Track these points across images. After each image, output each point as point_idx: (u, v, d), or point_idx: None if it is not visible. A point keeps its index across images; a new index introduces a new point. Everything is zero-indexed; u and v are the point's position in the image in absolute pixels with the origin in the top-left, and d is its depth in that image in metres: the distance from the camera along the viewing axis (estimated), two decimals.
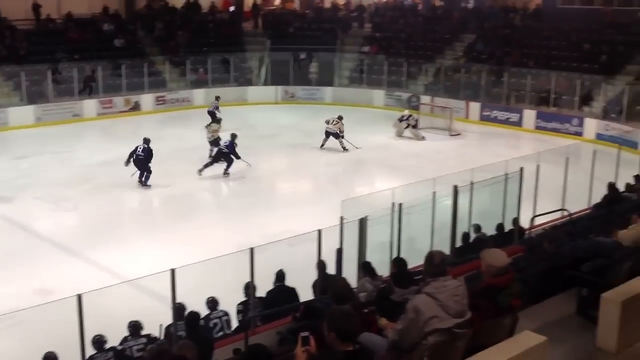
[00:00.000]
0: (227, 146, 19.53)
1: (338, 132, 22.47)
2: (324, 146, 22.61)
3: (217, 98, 26.16)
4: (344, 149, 22.40)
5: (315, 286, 9.93)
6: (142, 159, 18.44)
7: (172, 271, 8.33)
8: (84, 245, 14.41)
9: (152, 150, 18.56)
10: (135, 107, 28.48)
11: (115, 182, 18.89)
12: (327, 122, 22.71)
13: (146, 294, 10.69)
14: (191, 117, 27.02)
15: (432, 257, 4.82)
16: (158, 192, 18.39)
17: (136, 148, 18.57)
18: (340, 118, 22.71)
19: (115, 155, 21.52)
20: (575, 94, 25.33)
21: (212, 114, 24.86)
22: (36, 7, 30.24)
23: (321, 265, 10.15)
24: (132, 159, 18.46)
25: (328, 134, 22.52)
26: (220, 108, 25.17)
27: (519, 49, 28.88)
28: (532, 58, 28.04)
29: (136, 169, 18.46)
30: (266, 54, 32.35)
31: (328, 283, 9.09)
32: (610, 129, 23.51)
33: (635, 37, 26.87)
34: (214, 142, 20.64)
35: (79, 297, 7.80)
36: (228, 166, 19.58)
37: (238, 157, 19.45)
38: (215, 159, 19.69)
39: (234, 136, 19.69)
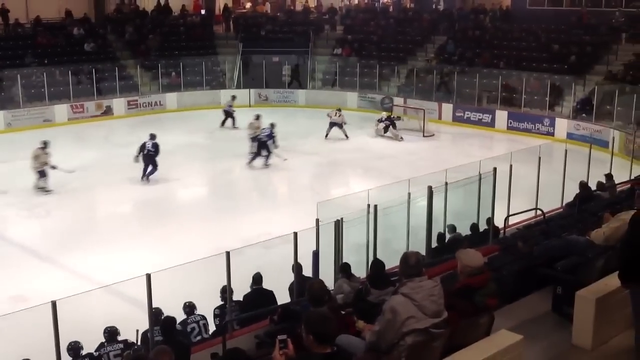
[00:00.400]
0: (267, 135, 20.57)
1: (342, 122, 24.35)
2: (328, 136, 24.19)
3: (234, 98, 27.20)
4: (347, 136, 24.26)
5: (292, 289, 9.93)
6: (152, 154, 18.99)
7: (148, 276, 8.25)
8: (58, 251, 14.26)
9: (159, 145, 19.06)
10: (107, 112, 28.22)
11: (88, 187, 18.72)
12: (330, 115, 24.57)
13: (122, 300, 10.59)
14: (164, 121, 26.86)
15: (407, 258, 4.83)
16: (132, 196, 18.25)
17: (144, 144, 19.07)
18: (339, 109, 24.81)
19: (88, 160, 21.37)
20: (546, 94, 25.62)
21: (227, 112, 26.24)
22: (4, 12, 29.88)
23: (297, 268, 10.14)
24: (141, 154, 18.98)
25: (332, 124, 24.29)
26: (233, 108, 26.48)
27: (490, 50, 29.18)
28: (502, 59, 28.35)
29: (144, 164, 19.01)
30: (238, 57, 32.27)
31: (304, 285, 9.10)
32: (581, 128, 23.83)
33: (603, 38, 27.30)
34: (255, 138, 21.13)
35: (54, 303, 7.70)
36: (268, 157, 20.65)
37: (276, 147, 20.70)
38: (258, 151, 20.66)
39: (272, 125, 21.03)
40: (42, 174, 18.16)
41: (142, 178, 19.02)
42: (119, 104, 28.53)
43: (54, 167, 18.18)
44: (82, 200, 17.94)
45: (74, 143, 24.26)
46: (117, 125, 26.87)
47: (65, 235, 15.40)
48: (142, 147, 19.02)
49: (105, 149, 23.08)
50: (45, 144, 18.44)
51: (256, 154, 20.68)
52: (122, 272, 10.44)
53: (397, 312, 4.56)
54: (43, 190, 18.13)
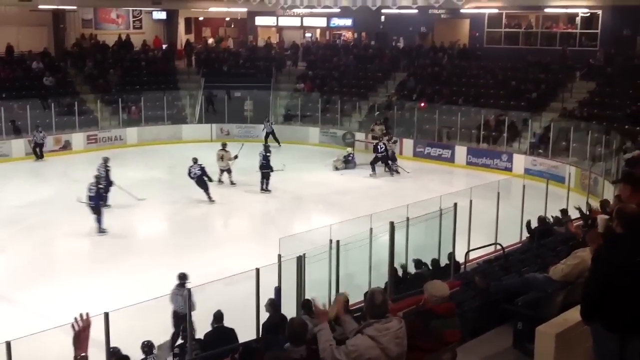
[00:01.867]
0: (200, 170, 20.67)
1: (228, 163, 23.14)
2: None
3: (268, 119, 29.65)
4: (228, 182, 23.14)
5: (265, 326, 9.79)
6: (199, 176, 20.22)
7: (106, 315, 8.11)
8: (13, 289, 13.93)
9: (203, 166, 20.42)
10: (66, 146, 27.88)
11: (45, 223, 18.37)
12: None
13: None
14: (125, 156, 26.59)
15: (374, 296, 4.81)
16: (90, 232, 17.93)
17: (189, 170, 20.18)
18: (224, 145, 23.28)
19: (45, 195, 21.00)
20: (504, 130, 26.11)
21: (271, 132, 28.72)
22: None
23: (272, 304, 10.05)
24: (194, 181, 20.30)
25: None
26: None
27: (449, 87, 29.71)
28: (461, 96, 28.88)
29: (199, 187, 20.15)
30: (200, 92, 32.27)
31: (276, 321, 9.04)
32: (538, 164, 24.28)
33: (557, 76, 28.03)
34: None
35: (8, 344, 7.50)
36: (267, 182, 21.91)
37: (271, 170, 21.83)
38: (263, 175, 21.84)
39: (266, 148, 22.53)
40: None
41: (210, 200, 20.31)
42: (78, 138, 28.20)
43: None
44: (39, 237, 17.58)
45: (31, 178, 23.87)
46: (76, 160, 26.51)
47: (20, 272, 15.04)
48: (189, 173, 20.16)
49: (63, 184, 22.72)
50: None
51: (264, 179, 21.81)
52: (79, 310, 10.21)
53: (361, 355, 4.54)
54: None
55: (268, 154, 21.98)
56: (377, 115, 29.28)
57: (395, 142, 25.82)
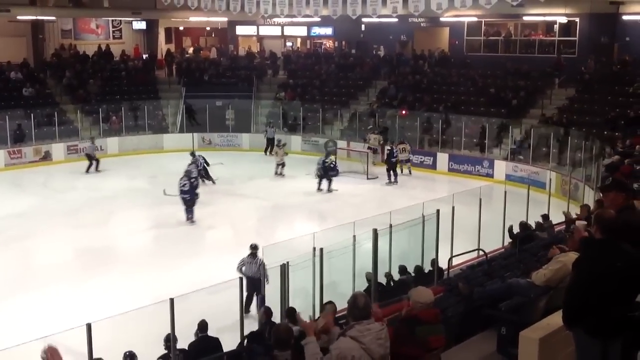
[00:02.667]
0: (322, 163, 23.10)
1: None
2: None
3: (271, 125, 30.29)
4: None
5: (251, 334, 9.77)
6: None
7: (88, 326, 8.05)
8: None
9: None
10: (46, 157, 27.66)
11: (25, 234, 18.19)
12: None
13: (61, 350, 10.21)
14: (106, 166, 26.41)
15: (356, 300, 4.85)
16: (71, 243, 17.80)
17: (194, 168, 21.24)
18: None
19: (25, 206, 20.81)
20: (485, 137, 26.27)
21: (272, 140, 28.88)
22: None
23: (267, 312, 10.02)
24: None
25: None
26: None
27: (430, 94, 29.88)
28: (442, 103, 29.05)
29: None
30: (181, 101, 32.19)
31: (264, 330, 9.02)
32: (519, 170, 24.46)
33: (536, 83, 28.29)
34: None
35: None
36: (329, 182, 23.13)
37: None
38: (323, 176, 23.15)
39: (327, 153, 24.87)
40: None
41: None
42: (58, 149, 28.00)
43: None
44: (19, 248, 17.40)
45: (11, 189, 23.62)
46: (56, 170, 26.31)
47: (1, 284, 14.85)
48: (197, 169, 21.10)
49: (43, 195, 22.54)
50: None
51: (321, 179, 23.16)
52: (62, 322, 10.14)
53: (344, 356, 4.55)
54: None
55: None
56: (374, 126, 28.99)
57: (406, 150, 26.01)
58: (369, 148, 26.98)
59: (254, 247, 13.22)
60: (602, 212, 5.13)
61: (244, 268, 13.08)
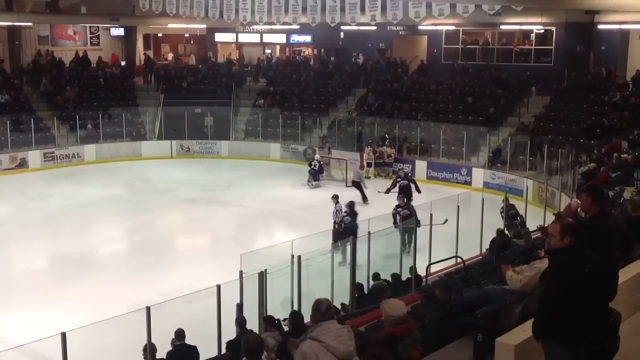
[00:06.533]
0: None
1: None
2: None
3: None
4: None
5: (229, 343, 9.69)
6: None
7: (63, 335, 7.96)
8: None
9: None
10: (22, 164, 27.36)
11: (0, 243, 17.94)
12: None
13: None
14: (83, 173, 26.23)
15: (318, 305, 4.90)
16: (48, 252, 17.62)
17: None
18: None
19: (0, 215, 20.58)
20: (463, 144, 26.44)
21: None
22: None
23: (240, 322, 9.96)
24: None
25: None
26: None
27: (408, 102, 30.00)
28: (420, 111, 29.19)
29: None
30: (159, 109, 32.04)
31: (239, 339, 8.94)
32: (497, 177, 24.64)
33: (513, 91, 28.54)
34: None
35: None
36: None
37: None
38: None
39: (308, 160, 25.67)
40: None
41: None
42: (34, 156, 27.70)
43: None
44: None
45: None
46: (33, 178, 26.04)
47: None
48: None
49: (19, 203, 22.30)
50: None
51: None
52: (37, 331, 10.02)
53: (306, 355, 4.60)
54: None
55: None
56: (383, 136, 28.07)
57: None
58: (377, 159, 26.96)
59: (336, 197, 17.66)
60: (563, 221, 5.16)
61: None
